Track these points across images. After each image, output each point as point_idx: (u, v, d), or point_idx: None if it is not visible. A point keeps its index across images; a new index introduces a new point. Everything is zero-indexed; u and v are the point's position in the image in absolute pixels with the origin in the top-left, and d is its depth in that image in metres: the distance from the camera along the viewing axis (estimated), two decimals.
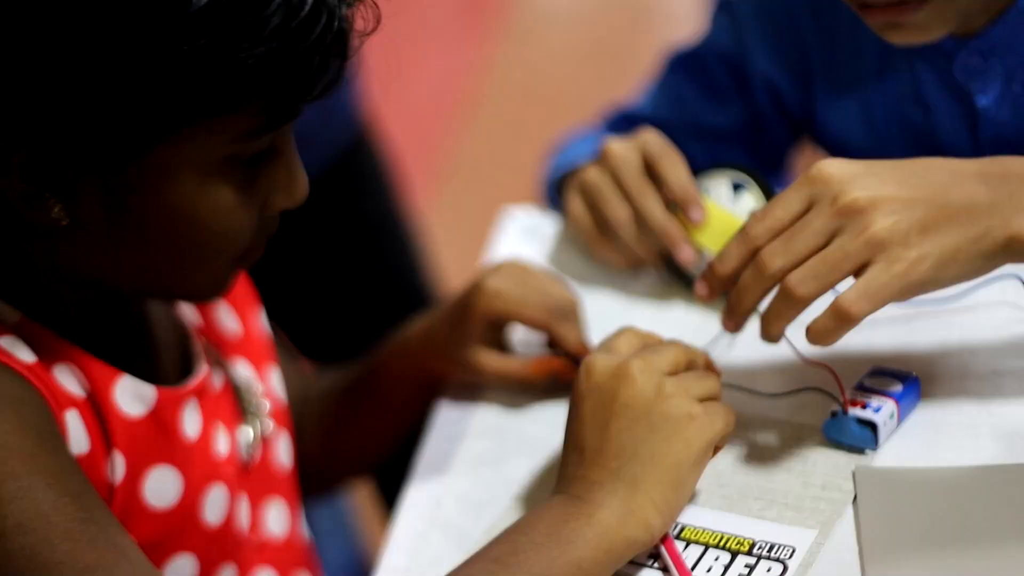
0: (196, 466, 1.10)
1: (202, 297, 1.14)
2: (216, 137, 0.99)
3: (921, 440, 1.09)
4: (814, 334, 1.04)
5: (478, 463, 1.21)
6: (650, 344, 1.10)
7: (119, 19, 0.94)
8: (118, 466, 1.04)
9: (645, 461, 1.02)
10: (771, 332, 1.07)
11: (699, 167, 1.33)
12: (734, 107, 1.44)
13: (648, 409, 1.03)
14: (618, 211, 1.29)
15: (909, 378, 1.11)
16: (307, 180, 1.06)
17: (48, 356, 1.03)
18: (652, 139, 1.30)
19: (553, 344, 1.25)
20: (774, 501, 1.06)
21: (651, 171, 1.29)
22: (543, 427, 1.17)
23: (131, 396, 1.06)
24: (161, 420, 1.08)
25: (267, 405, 1.22)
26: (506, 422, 1.25)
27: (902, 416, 1.10)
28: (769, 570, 1.01)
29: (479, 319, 1.25)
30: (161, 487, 1.08)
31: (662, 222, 1.27)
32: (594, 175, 1.31)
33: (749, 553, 1.03)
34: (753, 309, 1.08)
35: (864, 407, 1.08)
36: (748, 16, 1.40)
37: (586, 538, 1.00)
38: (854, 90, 1.35)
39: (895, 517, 1.03)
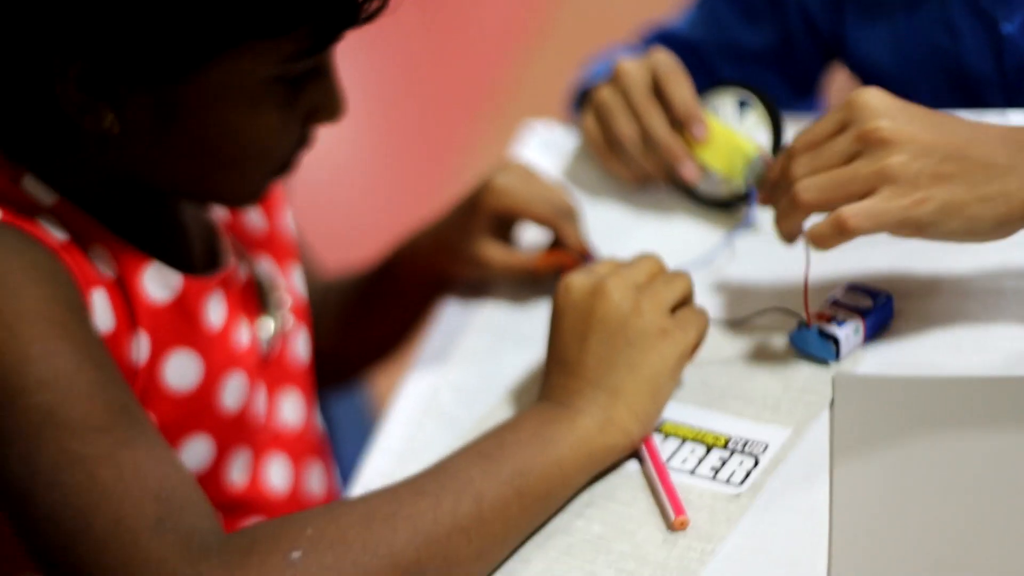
0: (217, 353, 1.14)
1: (238, 203, 1.18)
2: (264, 58, 1.03)
3: (907, 352, 1.11)
4: (812, 236, 1.07)
5: (476, 357, 1.24)
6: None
7: None
8: (142, 347, 1.08)
9: (623, 372, 1.06)
10: (780, 230, 1.11)
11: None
12: (768, 28, 1.46)
13: (623, 324, 1.07)
14: (626, 129, 1.32)
15: (881, 296, 1.13)
16: (346, 98, 1.10)
17: (80, 237, 1.06)
18: (662, 59, 1.32)
19: (557, 245, 1.28)
20: (753, 401, 1.10)
21: (658, 90, 1.32)
22: (540, 325, 1.19)
23: (158, 282, 1.10)
24: (186, 307, 1.12)
25: (288, 300, 1.26)
26: (506, 319, 1.28)
27: (869, 332, 1.12)
28: (741, 463, 1.05)
29: (487, 215, 1.28)
30: (182, 371, 1.11)
31: (665, 139, 1.30)
32: (606, 94, 1.34)
33: (724, 447, 1.06)
34: None
35: (830, 320, 1.11)
36: None
37: (568, 441, 1.04)
38: (885, 15, 1.36)
39: (869, 421, 1.05)
